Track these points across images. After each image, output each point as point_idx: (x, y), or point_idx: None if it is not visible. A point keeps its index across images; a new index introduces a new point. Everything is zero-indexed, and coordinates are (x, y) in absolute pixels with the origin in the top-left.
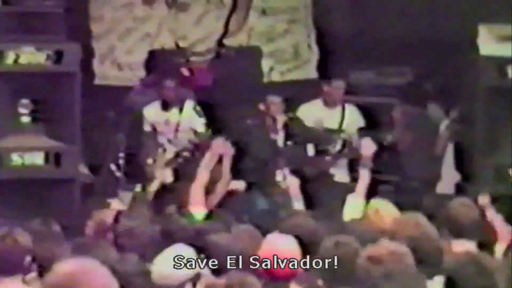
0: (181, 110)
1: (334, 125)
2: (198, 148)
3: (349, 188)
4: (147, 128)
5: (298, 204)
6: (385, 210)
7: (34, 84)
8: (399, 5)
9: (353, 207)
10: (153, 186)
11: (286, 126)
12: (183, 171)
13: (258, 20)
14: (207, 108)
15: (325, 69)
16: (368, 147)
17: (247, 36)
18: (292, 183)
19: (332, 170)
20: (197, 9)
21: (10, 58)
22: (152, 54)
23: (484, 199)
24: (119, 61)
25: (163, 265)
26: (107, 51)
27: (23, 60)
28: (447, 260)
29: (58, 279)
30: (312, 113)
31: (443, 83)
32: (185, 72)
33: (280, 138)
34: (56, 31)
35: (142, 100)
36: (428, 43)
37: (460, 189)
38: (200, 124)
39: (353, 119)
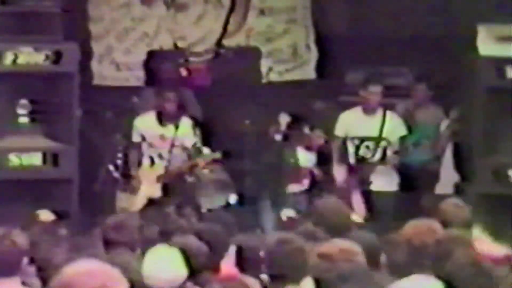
0: (176, 127)
1: (374, 133)
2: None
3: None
4: (136, 138)
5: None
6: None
7: (32, 84)
8: (398, 6)
9: None
10: (140, 201)
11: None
12: (172, 186)
13: (257, 20)
14: (205, 108)
15: (323, 70)
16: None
17: (246, 36)
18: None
19: (372, 178)
20: (196, 9)
21: (8, 58)
22: (150, 55)
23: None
24: (117, 62)
25: (152, 265)
26: (105, 52)
27: (21, 60)
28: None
29: (68, 281)
30: (352, 121)
31: (442, 83)
32: (183, 72)
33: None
34: (54, 31)
35: (144, 106)
36: (427, 43)
37: (459, 190)
38: (191, 142)
39: (394, 126)
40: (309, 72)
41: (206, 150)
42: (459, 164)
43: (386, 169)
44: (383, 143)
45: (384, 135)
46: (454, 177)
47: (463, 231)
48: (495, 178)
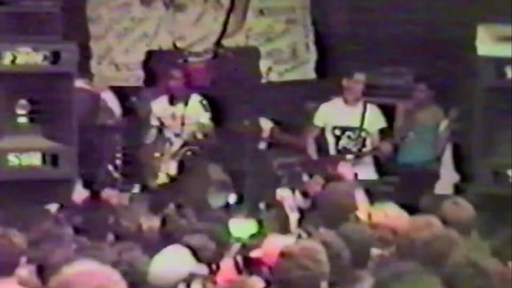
0: (186, 103)
1: (355, 124)
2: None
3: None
4: (154, 122)
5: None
6: (393, 213)
7: (31, 84)
8: (397, 6)
9: None
10: (160, 179)
11: None
12: (188, 164)
13: (256, 20)
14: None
15: (323, 70)
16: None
17: (245, 36)
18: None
19: (355, 169)
20: (195, 10)
21: (7, 58)
22: (149, 55)
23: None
24: (116, 62)
25: (159, 265)
26: (104, 52)
27: (20, 60)
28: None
29: (67, 281)
30: (332, 111)
31: (442, 83)
32: (176, 74)
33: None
34: (53, 31)
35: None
36: (427, 43)
37: (458, 190)
38: (205, 117)
39: (375, 118)
40: (308, 72)
41: (206, 116)
42: (459, 164)
43: (366, 159)
44: (363, 134)
45: (364, 126)
46: (454, 177)
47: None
48: (495, 178)
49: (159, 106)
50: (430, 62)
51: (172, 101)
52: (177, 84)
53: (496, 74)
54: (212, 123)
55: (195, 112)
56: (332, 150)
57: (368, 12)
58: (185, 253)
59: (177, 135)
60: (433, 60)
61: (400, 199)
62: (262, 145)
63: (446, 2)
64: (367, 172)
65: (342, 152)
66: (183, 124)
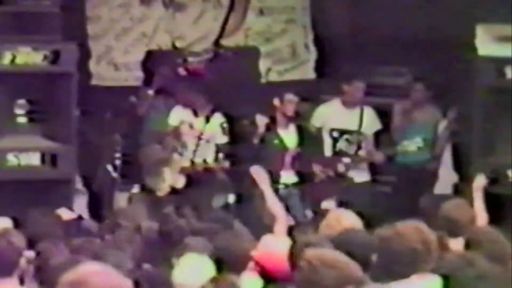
0: (207, 119)
1: (353, 127)
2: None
3: (370, 189)
4: (172, 121)
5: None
6: (346, 218)
7: (31, 84)
8: (397, 5)
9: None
10: (164, 189)
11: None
12: (196, 177)
13: (256, 20)
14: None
15: (322, 69)
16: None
17: (245, 36)
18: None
19: (351, 173)
20: (194, 9)
21: (6, 58)
22: (149, 55)
23: (480, 181)
24: (115, 62)
25: (180, 275)
26: (103, 51)
27: (19, 60)
28: (444, 262)
29: (73, 283)
30: (330, 113)
31: (441, 83)
32: (182, 72)
33: (290, 135)
34: (52, 31)
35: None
36: (426, 43)
37: (457, 190)
38: (221, 140)
39: (371, 121)
40: (308, 72)
41: (223, 140)
42: (458, 164)
43: (362, 165)
44: (360, 137)
45: (362, 129)
46: (453, 177)
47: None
48: (494, 178)
49: (182, 112)
50: (430, 62)
51: (196, 111)
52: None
53: (496, 74)
54: (227, 147)
55: (214, 132)
56: (328, 151)
57: (367, 12)
58: (207, 260)
59: (183, 146)
60: (433, 60)
61: (398, 199)
62: (256, 140)
63: (446, 2)
64: (362, 175)
65: (338, 154)
66: (199, 138)
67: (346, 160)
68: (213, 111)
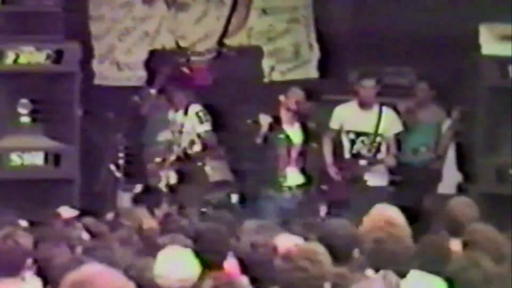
0: (186, 112)
1: (370, 129)
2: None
3: (384, 193)
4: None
5: None
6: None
7: (34, 84)
8: (400, 5)
9: None
10: (162, 186)
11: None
12: (188, 173)
13: (259, 19)
14: (206, 108)
15: (325, 69)
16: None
17: (248, 35)
18: None
19: (366, 176)
20: (197, 9)
21: (9, 58)
22: (152, 54)
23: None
24: (118, 61)
25: (162, 267)
26: (106, 51)
27: (22, 60)
28: (447, 262)
29: (75, 283)
30: (348, 114)
31: (444, 82)
32: (185, 71)
33: (295, 131)
34: (55, 31)
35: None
36: (430, 42)
37: (461, 189)
38: (201, 129)
39: (391, 122)
40: (311, 71)
41: (201, 128)
42: (462, 163)
43: (379, 168)
44: (378, 139)
45: (380, 131)
46: (457, 176)
47: None
48: (497, 177)
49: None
50: (433, 61)
51: (177, 107)
52: (180, 100)
53: (499, 74)
54: (210, 134)
55: (192, 123)
56: (347, 154)
57: (371, 11)
58: (188, 253)
59: (170, 142)
60: (436, 59)
61: (402, 198)
62: (259, 140)
63: (450, 2)
64: (379, 179)
65: (356, 156)
66: (180, 132)
67: (362, 162)
68: (189, 103)
